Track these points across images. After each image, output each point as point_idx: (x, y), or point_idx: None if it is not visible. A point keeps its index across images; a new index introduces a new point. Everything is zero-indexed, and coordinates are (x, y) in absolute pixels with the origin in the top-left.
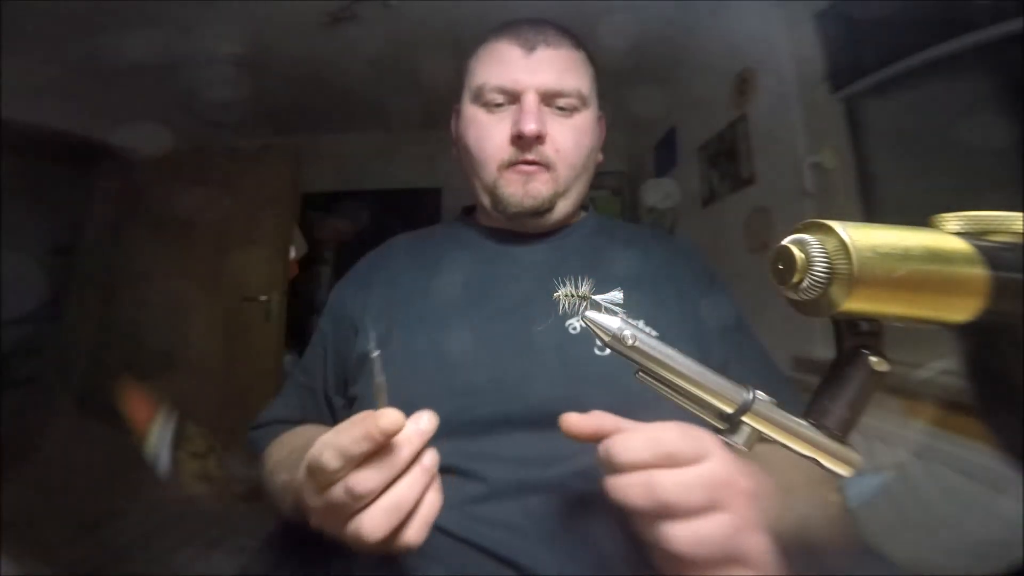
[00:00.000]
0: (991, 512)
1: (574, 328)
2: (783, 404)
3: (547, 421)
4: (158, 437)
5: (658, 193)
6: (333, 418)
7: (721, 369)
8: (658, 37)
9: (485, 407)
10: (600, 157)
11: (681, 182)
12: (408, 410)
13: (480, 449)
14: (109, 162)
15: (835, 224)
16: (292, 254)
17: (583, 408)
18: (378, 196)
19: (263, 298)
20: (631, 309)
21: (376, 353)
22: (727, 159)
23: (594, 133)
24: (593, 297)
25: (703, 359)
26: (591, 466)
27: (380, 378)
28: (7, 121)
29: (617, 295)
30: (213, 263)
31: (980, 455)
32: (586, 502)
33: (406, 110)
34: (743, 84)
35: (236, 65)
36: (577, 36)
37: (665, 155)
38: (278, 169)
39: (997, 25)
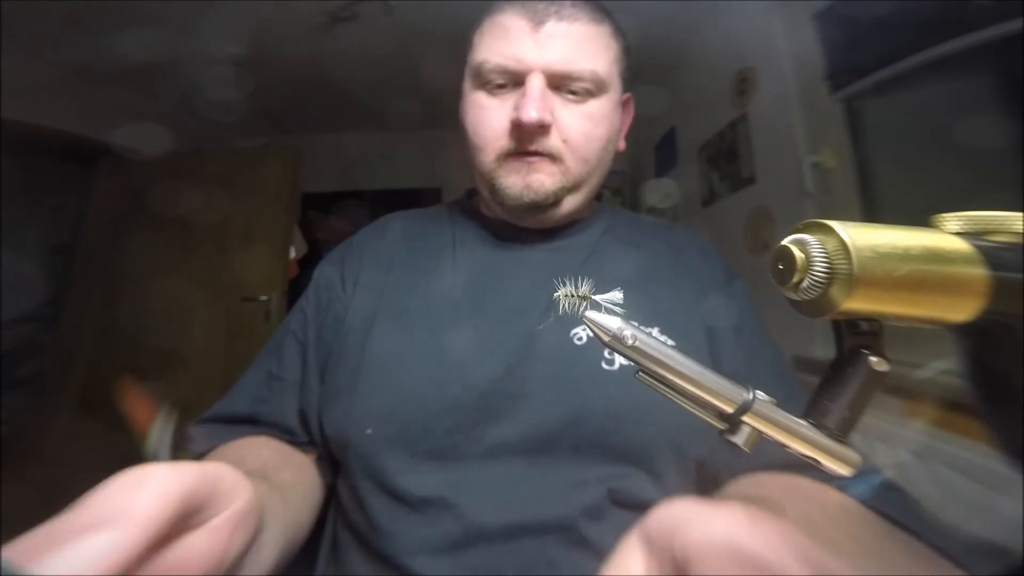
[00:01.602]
0: (991, 512)
1: (579, 339)
2: (789, 405)
3: (545, 447)
4: (158, 437)
5: (658, 193)
6: (306, 416)
7: (734, 371)
8: (658, 37)
9: (475, 428)
10: (622, 145)
11: (681, 182)
12: (386, 422)
13: (467, 479)
14: (109, 162)
15: (835, 224)
16: (292, 254)
17: (587, 433)
18: (378, 196)
19: (263, 298)
20: (645, 312)
21: None
22: (727, 159)
23: (613, 120)
24: (593, 297)
25: (717, 359)
26: (596, 504)
27: None
28: (7, 121)
29: (617, 295)
30: (213, 263)
31: (980, 455)
32: (591, 547)
33: (406, 110)
34: (743, 84)
35: (236, 65)
36: (602, 6)
37: (665, 155)
38: (278, 169)
39: (997, 25)
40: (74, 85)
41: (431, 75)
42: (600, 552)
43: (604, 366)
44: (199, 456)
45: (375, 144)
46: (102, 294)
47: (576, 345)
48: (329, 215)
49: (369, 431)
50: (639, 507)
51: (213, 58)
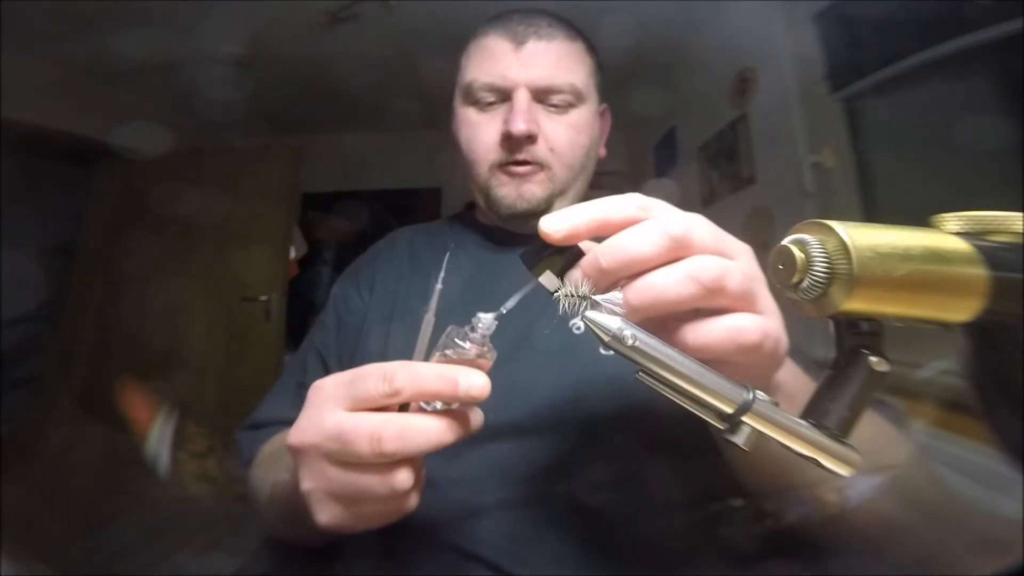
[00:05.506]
0: (991, 512)
1: (578, 328)
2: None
3: (548, 428)
4: (158, 437)
5: (658, 193)
6: None
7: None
8: (658, 37)
9: (488, 412)
10: (603, 152)
11: (681, 182)
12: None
13: (480, 458)
14: (109, 162)
15: (835, 224)
16: (292, 254)
17: (590, 412)
18: (378, 196)
19: (263, 298)
20: None
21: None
22: (727, 159)
23: (593, 129)
24: (593, 297)
25: None
26: (598, 480)
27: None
28: (7, 121)
29: (617, 295)
30: (213, 263)
31: (980, 455)
32: (590, 514)
33: (406, 110)
34: (743, 83)
35: (236, 65)
36: (573, 26)
37: (665, 155)
38: (278, 169)
39: (997, 25)
40: (74, 85)
41: (431, 75)
42: (603, 519)
43: (602, 351)
44: (250, 460)
45: (375, 144)
46: (102, 294)
47: (575, 335)
48: (329, 215)
49: None
50: (642, 480)
51: (213, 58)
